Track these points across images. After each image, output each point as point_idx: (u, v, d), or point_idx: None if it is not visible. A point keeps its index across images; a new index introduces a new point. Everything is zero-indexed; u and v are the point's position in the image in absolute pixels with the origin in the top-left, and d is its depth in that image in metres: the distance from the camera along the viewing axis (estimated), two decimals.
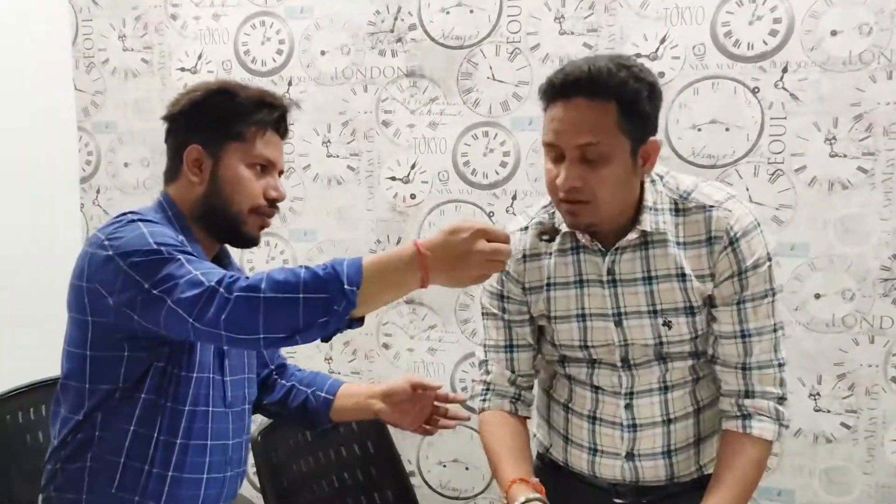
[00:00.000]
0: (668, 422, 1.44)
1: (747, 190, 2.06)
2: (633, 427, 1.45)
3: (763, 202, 2.06)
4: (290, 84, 2.40)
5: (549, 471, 1.57)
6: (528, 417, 1.55)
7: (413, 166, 2.33)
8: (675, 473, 1.46)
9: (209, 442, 1.39)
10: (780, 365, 1.40)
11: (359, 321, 1.21)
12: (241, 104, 1.40)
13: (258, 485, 2.47)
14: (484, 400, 1.53)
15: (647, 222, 1.37)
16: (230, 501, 1.50)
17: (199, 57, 2.47)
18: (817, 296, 2.06)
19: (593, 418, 1.48)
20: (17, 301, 2.31)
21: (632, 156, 1.31)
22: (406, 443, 2.40)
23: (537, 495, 1.34)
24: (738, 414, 1.39)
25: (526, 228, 1.49)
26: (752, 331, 1.38)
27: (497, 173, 2.26)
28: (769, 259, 1.37)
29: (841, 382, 2.07)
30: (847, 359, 2.06)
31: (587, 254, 1.42)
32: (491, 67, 2.23)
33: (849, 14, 1.97)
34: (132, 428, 1.33)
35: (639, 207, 1.38)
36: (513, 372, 1.51)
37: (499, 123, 2.24)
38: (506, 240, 1.20)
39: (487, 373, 1.53)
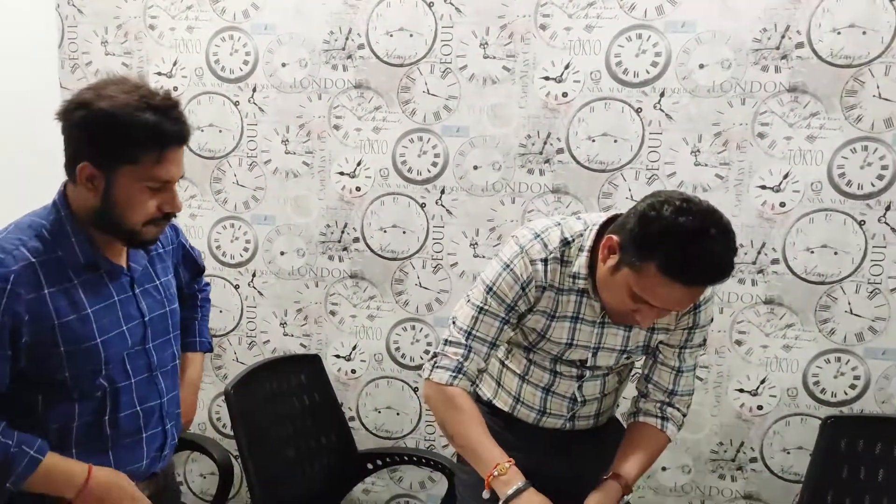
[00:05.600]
0: (603, 396, 1.53)
1: (630, 190, 2.08)
2: (582, 401, 1.51)
3: None
4: (254, 90, 2.27)
5: (484, 408, 1.54)
6: None
7: (359, 164, 2.25)
8: (596, 424, 1.57)
9: (139, 408, 1.27)
10: (692, 392, 1.52)
11: None
12: (135, 136, 1.11)
13: (229, 433, 2.36)
14: (454, 377, 1.38)
15: None
16: (173, 443, 1.38)
17: (175, 63, 2.32)
18: None
19: (547, 391, 1.50)
20: None
21: None
22: (348, 394, 2.34)
23: (528, 482, 1.32)
24: (660, 416, 1.48)
25: (545, 261, 1.35)
26: (685, 368, 1.48)
27: (429, 171, 2.21)
28: (711, 321, 1.47)
29: None
30: None
31: (590, 299, 1.38)
32: (426, 83, 2.16)
33: (714, 51, 1.99)
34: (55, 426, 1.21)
35: None
36: (485, 363, 1.42)
37: (431, 130, 2.19)
38: None
39: (466, 358, 1.39)
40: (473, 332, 1.39)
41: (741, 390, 2.11)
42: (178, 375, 1.39)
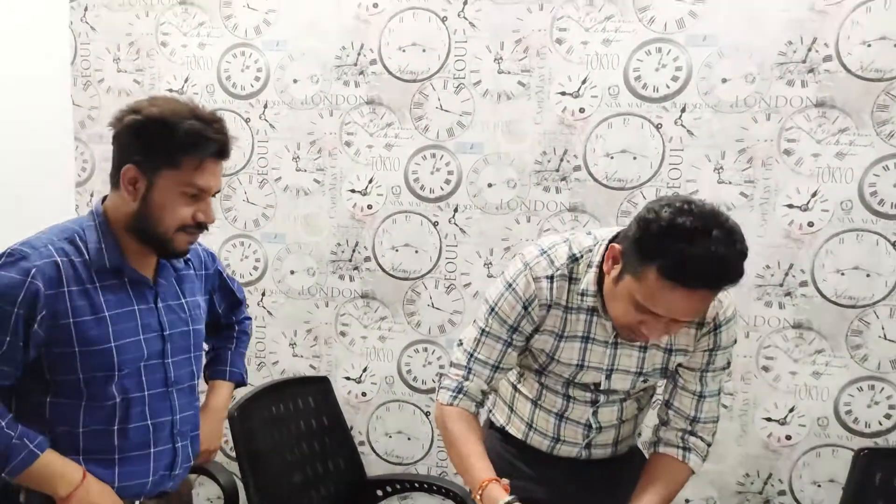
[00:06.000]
0: (621, 422, 1.44)
1: None
2: (598, 428, 1.42)
3: None
4: (265, 107, 2.23)
5: (503, 442, 1.49)
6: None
7: (370, 181, 2.19)
8: (617, 452, 1.48)
9: (150, 422, 1.26)
10: (717, 420, 1.41)
11: None
12: (179, 138, 1.17)
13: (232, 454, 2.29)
14: (454, 398, 1.34)
15: None
16: (186, 465, 1.36)
17: (186, 80, 2.28)
18: None
19: (561, 417, 1.42)
20: None
21: None
22: (358, 417, 2.26)
23: (514, 497, 1.23)
24: (682, 446, 1.38)
25: (551, 278, 1.29)
26: (707, 393, 1.37)
27: (442, 189, 2.14)
28: (734, 342, 1.37)
29: None
30: None
31: (600, 318, 1.30)
32: (439, 99, 2.11)
33: (737, 65, 1.91)
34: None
35: None
36: (488, 385, 1.36)
37: (444, 147, 2.12)
38: None
39: (467, 379, 1.34)
40: (475, 354, 1.35)
41: (768, 419, 2.00)
42: (196, 397, 1.37)
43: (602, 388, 1.37)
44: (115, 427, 1.22)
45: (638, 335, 1.24)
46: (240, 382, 1.57)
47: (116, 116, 1.22)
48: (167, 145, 1.17)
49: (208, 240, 2.31)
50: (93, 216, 1.24)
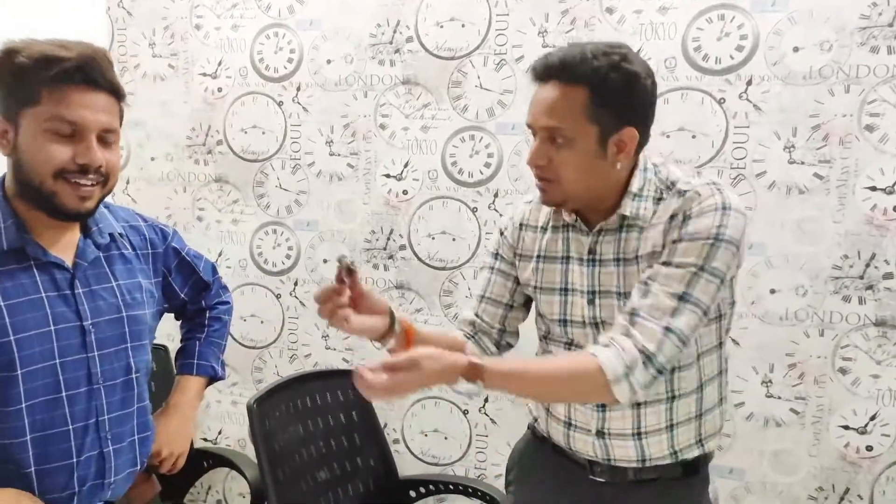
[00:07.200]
0: (636, 405, 1.17)
1: None
2: (603, 406, 1.19)
3: None
4: (298, 89, 2.13)
5: (538, 443, 1.32)
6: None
7: (406, 165, 2.05)
8: (645, 455, 1.19)
9: (71, 426, 1.08)
10: (667, 329, 1.04)
11: None
12: (24, 63, 1.01)
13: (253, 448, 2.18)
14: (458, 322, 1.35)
15: (628, 207, 1.13)
16: (129, 470, 1.18)
17: (219, 63, 2.20)
18: (772, 291, 1.78)
19: None
20: None
21: (599, 143, 1.08)
22: (392, 414, 2.13)
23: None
24: (605, 344, 1.07)
25: (530, 201, 1.28)
26: (658, 284, 1.06)
27: (481, 173, 1.99)
28: (716, 239, 1.06)
29: (791, 371, 1.79)
30: (798, 350, 1.78)
31: (575, 233, 1.20)
32: (479, 77, 1.95)
33: (811, 32, 1.69)
34: None
35: (625, 193, 1.13)
36: (475, 315, 1.31)
37: (484, 128, 1.97)
38: None
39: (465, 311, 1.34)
40: (474, 292, 1.36)
41: (846, 427, 1.77)
42: (138, 392, 1.19)
43: (590, 319, 1.16)
44: (28, 437, 1.04)
45: (529, 166, 1.15)
46: (211, 377, 1.38)
47: None
48: (18, 78, 1.01)
49: (243, 227, 2.23)
50: None
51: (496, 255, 1.31)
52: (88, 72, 1.04)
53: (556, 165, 1.10)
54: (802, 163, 1.73)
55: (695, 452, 1.19)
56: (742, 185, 1.77)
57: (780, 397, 1.80)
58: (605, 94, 1.06)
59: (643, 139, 1.12)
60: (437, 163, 2.02)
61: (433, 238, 2.05)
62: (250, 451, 2.28)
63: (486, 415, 2.06)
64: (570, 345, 1.21)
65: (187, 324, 1.41)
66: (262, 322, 2.24)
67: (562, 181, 1.11)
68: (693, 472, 1.21)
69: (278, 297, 2.22)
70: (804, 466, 1.81)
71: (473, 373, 1.03)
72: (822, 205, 1.72)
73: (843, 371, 1.76)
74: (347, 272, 1.08)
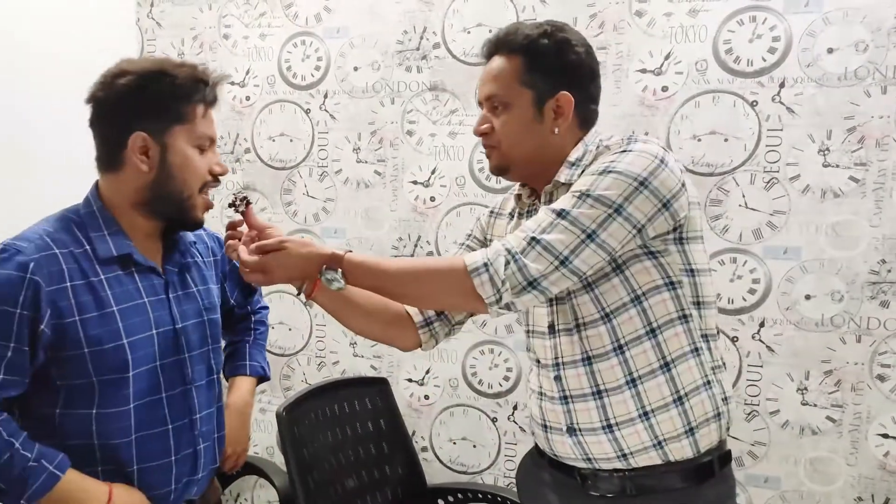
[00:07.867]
0: (598, 394, 1.12)
1: (743, 196, 1.76)
2: (565, 399, 1.15)
3: (758, 208, 1.75)
4: (325, 97, 2.13)
5: (537, 457, 1.28)
6: None
7: (433, 172, 2.05)
8: (623, 449, 1.12)
9: (170, 426, 1.14)
10: (533, 239, 1.03)
11: None
12: (181, 85, 1.09)
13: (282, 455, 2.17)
14: None
15: (563, 174, 1.14)
16: (211, 467, 1.23)
17: (247, 72, 2.22)
18: (808, 297, 1.75)
19: (540, 394, 1.21)
20: None
21: (536, 107, 1.14)
22: (420, 422, 2.12)
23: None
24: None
25: (507, 189, 1.34)
26: (543, 207, 1.09)
27: None
28: (610, 171, 1.04)
29: (828, 378, 1.75)
30: (834, 357, 1.74)
31: (532, 212, 1.20)
32: None
33: (846, 32, 1.66)
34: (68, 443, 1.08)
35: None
36: None
37: None
38: None
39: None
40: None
41: (885, 435, 1.73)
42: (216, 393, 1.25)
43: (550, 322, 1.14)
44: (133, 436, 1.09)
45: (476, 135, 1.20)
46: (261, 377, 1.42)
47: (97, 86, 1.10)
48: (172, 98, 1.09)
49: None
50: (89, 202, 1.13)
51: (468, 236, 1.35)
52: (217, 91, 1.15)
53: (497, 131, 1.15)
54: (837, 166, 1.70)
55: (685, 445, 1.11)
56: (776, 189, 1.74)
57: (815, 405, 1.76)
58: (536, 59, 1.13)
59: (584, 109, 1.16)
60: (464, 169, 2.01)
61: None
62: (278, 459, 2.28)
63: (515, 422, 2.03)
64: (531, 333, 1.23)
65: (233, 328, 1.43)
66: (290, 329, 2.24)
67: (502, 146, 1.16)
68: (701, 477, 1.12)
69: (306, 304, 2.22)
70: (842, 476, 1.76)
71: (334, 261, 1.08)
72: (858, 208, 1.68)
73: (881, 378, 1.72)
74: (242, 205, 1.16)
